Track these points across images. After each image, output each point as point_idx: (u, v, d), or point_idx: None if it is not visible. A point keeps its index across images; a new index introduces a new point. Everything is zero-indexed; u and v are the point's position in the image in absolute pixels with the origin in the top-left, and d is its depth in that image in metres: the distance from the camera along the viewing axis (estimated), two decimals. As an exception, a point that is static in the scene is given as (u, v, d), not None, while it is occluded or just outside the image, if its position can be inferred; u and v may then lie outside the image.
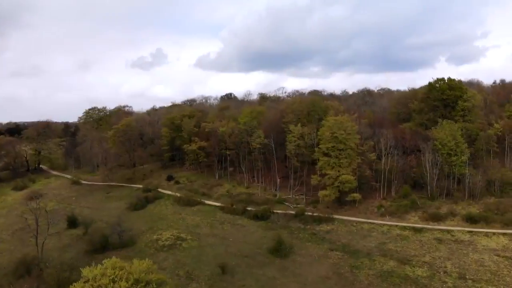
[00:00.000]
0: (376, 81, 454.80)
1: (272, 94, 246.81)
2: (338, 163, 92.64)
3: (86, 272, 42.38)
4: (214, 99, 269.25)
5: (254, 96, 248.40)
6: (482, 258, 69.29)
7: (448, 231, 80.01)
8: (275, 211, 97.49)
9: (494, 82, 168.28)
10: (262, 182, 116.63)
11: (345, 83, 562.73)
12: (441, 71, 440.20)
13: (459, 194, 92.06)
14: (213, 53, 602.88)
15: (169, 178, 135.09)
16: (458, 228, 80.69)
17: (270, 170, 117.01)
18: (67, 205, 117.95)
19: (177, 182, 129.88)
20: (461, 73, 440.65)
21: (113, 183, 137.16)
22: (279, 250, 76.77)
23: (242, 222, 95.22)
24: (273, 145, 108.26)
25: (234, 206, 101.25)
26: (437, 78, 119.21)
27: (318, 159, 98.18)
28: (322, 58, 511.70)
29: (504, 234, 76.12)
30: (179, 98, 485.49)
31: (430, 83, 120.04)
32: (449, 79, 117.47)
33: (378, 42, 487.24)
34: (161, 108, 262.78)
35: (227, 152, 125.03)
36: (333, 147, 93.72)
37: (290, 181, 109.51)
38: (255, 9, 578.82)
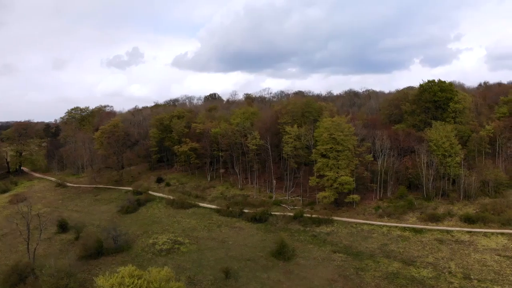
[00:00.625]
0: (352, 82, 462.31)
1: (258, 95, 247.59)
2: (336, 164, 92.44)
3: (100, 281, 40.19)
4: (197, 99, 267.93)
5: (240, 96, 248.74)
6: (484, 258, 70.21)
7: (448, 232, 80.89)
8: (272, 213, 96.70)
9: (480, 84, 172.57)
10: (256, 184, 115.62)
11: (321, 84, 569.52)
12: (415, 72, 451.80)
13: (454, 194, 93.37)
14: (191, 52, 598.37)
15: (159, 180, 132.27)
16: (457, 228, 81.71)
17: (263, 172, 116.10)
18: (54, 208, 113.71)
19: (167, 184, 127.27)
20: (434, 75, 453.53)
21: (101, 186, 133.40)
22: (281, 253, 75.80)
23: (240, 224, 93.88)
24: (269, 147, 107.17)
25: (230, 209, 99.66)
26: (428, 80, 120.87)
27: (316, 161, 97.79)
28: (299, 59, 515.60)
29: (502, 234, 77.44)
30: (155, 98, 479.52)
31: (421, 85, 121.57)
32: (440, 81, 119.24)
33: (354, 44, 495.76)
34: (144, 108, 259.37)
35: (220, 154, 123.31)
36: (331, 148, 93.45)
37: (286, 183, 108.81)
38: (233, 9, 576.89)
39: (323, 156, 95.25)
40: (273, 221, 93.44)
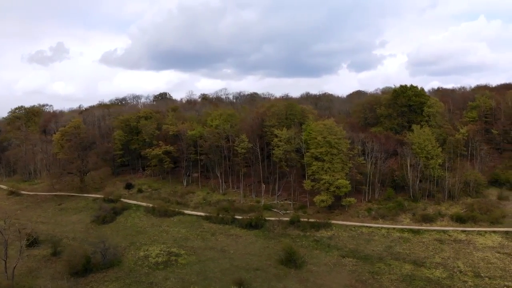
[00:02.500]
0: (285, 85, 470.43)
1: (214, 96, 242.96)
2: (332, 167, 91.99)
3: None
4: (146, 98, 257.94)
5: (196, 97, 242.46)
6: (487, 256, 73.47)
7: (444, 232, 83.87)
8: (266, 218, 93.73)
9: (438, 88, 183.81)
10: (237, 188, 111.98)
11: (256, 86, 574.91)
12: (343, 77, 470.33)
13: (440, 195, 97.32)
14: (121, 49, 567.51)
15: (128, 186, 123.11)
16: (451, 228, 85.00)
17: (247, 175, 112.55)
18: (14, 220, 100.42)
19: (140, 191, 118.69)
20: (360, 79, 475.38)
21: (62, 193, 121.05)
22: (291, 260, 73.32)
23: (235, 232, 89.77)
24: (258, 150, 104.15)
25: (221, 215, 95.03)
26: (400, 85, 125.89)
27: (309, 164, 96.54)
28: (234, 60, 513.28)
29: (494, 232, 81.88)
30: (82, 96, 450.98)
31: (395, 90, 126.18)
32: (412, 86, 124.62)
33: (287, 48, 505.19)
34: (91, 107, 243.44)
35: (199, 157, 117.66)
36: (326, 151, 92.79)
37: (271, 186, 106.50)
38: (166, 7, 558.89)
39: (317, 159, 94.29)
40: (269, 227, 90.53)
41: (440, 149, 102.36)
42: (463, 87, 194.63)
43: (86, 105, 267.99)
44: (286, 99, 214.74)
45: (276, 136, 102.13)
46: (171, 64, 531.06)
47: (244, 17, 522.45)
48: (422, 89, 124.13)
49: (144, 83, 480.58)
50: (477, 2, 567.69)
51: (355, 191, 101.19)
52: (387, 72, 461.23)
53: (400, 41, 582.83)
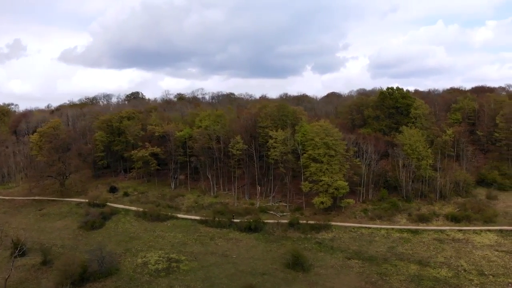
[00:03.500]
0: (250, 85, 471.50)
1: (191, 96, 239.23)
2: (330, 169, 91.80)
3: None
4: (117, 98, 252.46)
5: (171, 96, 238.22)
6: (487, 255, 75.38)
7: (441, 231, 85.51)
8: (264, 220, 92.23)
9: (415, 91, 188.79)
10: (229, 190, 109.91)
11: (222, 86, 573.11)
12: (307, 78, 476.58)
13: (432, 195, 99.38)
14: (81, 46, 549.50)
15: (112, 190, 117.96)
16: (447, 227, 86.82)
17: (237, 177, 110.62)
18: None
19: (126, 194, 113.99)
20: (323, 81, 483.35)
21: (41, 198, 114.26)
22: (298, 264, 72.24)
23: (235, 235, 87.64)
24: (254, 152, 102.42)
25: (218, 218, 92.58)
26: (387, 87, 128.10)
27: (305, 166, 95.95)
28: (199, 59, 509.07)
29: (489, 230, 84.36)
30: (39, 95, 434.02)
31: (381, 92, 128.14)
32: (398, 88, 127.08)
33: (252, 48, 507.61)
34: (62, 106, 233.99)
35: (187, 159, 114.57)
36: (324, 153, 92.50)
37: (263, 188, 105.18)
38: (129, 4, 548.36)
39: (314, 160, 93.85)
40: (269, 229, 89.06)
41: (430, 150, 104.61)
42: (437, 89, 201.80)
43: (45, 104, 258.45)
44: (265, 99, 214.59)
45: (271, 138, 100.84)
46: (133, 63, 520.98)
47: (209, 16, 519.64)
48: (408, 91, 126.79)
49: (106, 82, 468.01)
50: (436, 7, 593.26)
51: (350, 192, 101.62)
52: (349, 74, 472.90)
53: (362, 44, 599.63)
